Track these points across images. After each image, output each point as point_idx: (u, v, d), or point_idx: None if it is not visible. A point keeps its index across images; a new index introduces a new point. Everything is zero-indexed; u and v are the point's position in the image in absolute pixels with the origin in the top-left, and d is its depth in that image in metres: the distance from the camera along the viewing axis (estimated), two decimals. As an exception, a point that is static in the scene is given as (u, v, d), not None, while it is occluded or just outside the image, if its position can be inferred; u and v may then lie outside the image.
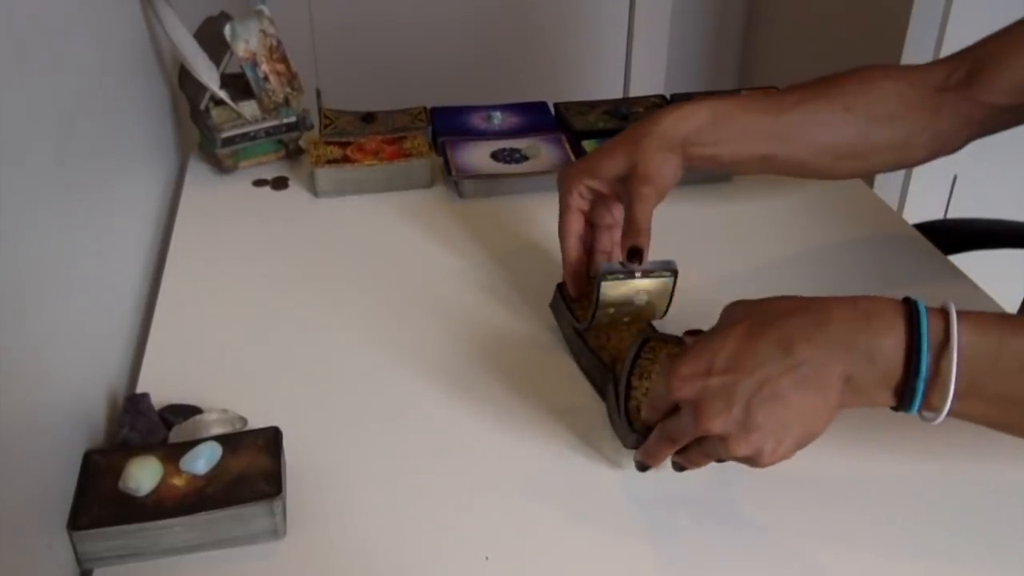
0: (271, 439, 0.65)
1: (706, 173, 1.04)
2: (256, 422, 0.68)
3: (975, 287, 0.89)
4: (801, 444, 0.57)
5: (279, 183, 1.06)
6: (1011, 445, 0.58)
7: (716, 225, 1.00)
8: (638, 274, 0.71)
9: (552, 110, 1.19)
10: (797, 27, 2.13)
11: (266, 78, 1.04)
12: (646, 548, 0.62)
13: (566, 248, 0.78)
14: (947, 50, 1.27)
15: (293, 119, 1.08)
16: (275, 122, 1.07)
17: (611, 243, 0.80)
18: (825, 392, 0.55)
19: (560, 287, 0.82)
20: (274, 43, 1.04)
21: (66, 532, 0.59)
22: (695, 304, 0.75)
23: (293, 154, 1.11)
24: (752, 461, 0.58)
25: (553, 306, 0.83)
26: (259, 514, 0.60)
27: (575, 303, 0.80)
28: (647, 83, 2.29)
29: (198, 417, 0.68)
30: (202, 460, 0.62)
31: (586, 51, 2.29)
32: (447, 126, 1.14)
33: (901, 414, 0.56)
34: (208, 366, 0.78)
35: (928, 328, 0.54)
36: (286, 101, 1.06)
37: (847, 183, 1.05)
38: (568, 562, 0.61)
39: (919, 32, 1.65)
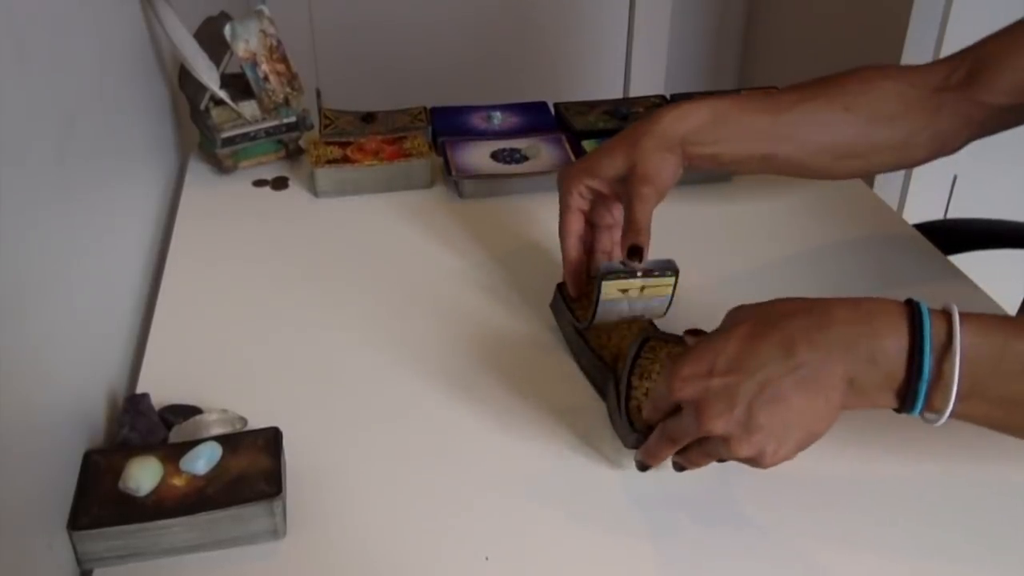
0: (271, 439, 0.65)
1: (706, 173, 1.04)
2: (256, 422, 0.68)
3: (975, 287, 0.89)
4: (803, 445, 0.57)
5: (279, 183, 1.06)
6: (1013, 447, 0.58)
7: (716, 225, 1.00)
8: (639, 273, 0.71)
9: (552, 110, 1.19)
10: (797, 27, 2.13)
11: (266, 78, 1.04)
12: (646, 548, 0.62)
13: (566, 248, 0.78)
14: (947, 50, 1.27)
15: (293, 119, 1.08)
16: (275, 122, 1.07)
17: (611, 243, 0.80)
18: (827, 393, 0.55)
19: (560, 287, 0.82)
20: (274, 43, 1.04)
21: (66, 532, 0.59)
22: (695, 304, 0.74)
23: (293, 154, 1.11)
24: (754, 462, 0.58)
25: (553, 306, 0.83)
26: (259, 514, 0.60)
27: (575, 303, 0.79)
28: (647, 83, 2.29)
29: (198, 417, 0.68)
30: (202, 460, 0.62)
31: (586, 51, 2.28)
32: (447, 126, 1.14)
33: (903, 416, 0.56)
34: (208, 366, 0.78)
35: (931, 330, 0.54)
36: (286, 101, 1.06)
37: (847, 183, 1.05)
38: (568, 562, 0.61)
39: (919, 32, 1.65)
